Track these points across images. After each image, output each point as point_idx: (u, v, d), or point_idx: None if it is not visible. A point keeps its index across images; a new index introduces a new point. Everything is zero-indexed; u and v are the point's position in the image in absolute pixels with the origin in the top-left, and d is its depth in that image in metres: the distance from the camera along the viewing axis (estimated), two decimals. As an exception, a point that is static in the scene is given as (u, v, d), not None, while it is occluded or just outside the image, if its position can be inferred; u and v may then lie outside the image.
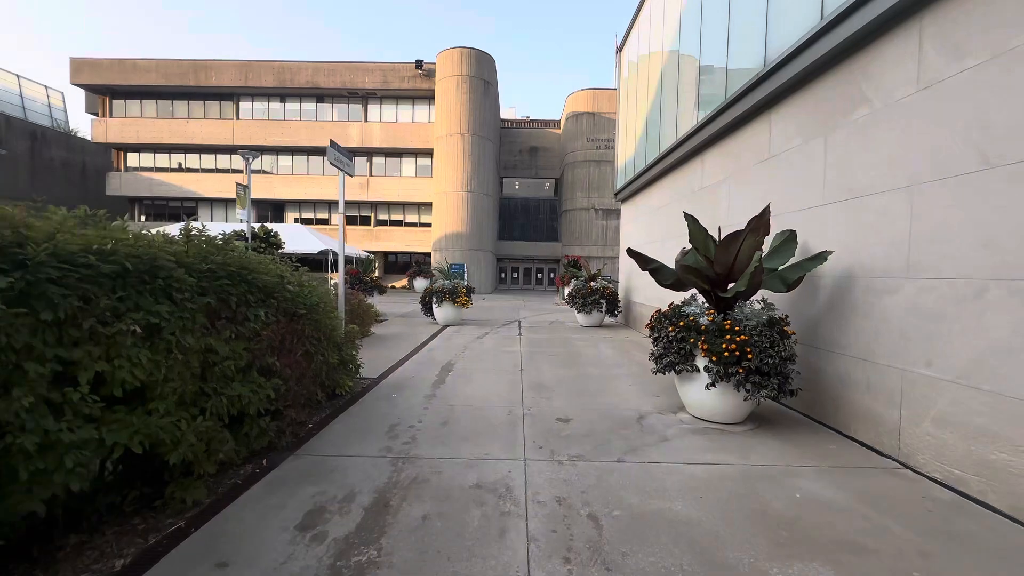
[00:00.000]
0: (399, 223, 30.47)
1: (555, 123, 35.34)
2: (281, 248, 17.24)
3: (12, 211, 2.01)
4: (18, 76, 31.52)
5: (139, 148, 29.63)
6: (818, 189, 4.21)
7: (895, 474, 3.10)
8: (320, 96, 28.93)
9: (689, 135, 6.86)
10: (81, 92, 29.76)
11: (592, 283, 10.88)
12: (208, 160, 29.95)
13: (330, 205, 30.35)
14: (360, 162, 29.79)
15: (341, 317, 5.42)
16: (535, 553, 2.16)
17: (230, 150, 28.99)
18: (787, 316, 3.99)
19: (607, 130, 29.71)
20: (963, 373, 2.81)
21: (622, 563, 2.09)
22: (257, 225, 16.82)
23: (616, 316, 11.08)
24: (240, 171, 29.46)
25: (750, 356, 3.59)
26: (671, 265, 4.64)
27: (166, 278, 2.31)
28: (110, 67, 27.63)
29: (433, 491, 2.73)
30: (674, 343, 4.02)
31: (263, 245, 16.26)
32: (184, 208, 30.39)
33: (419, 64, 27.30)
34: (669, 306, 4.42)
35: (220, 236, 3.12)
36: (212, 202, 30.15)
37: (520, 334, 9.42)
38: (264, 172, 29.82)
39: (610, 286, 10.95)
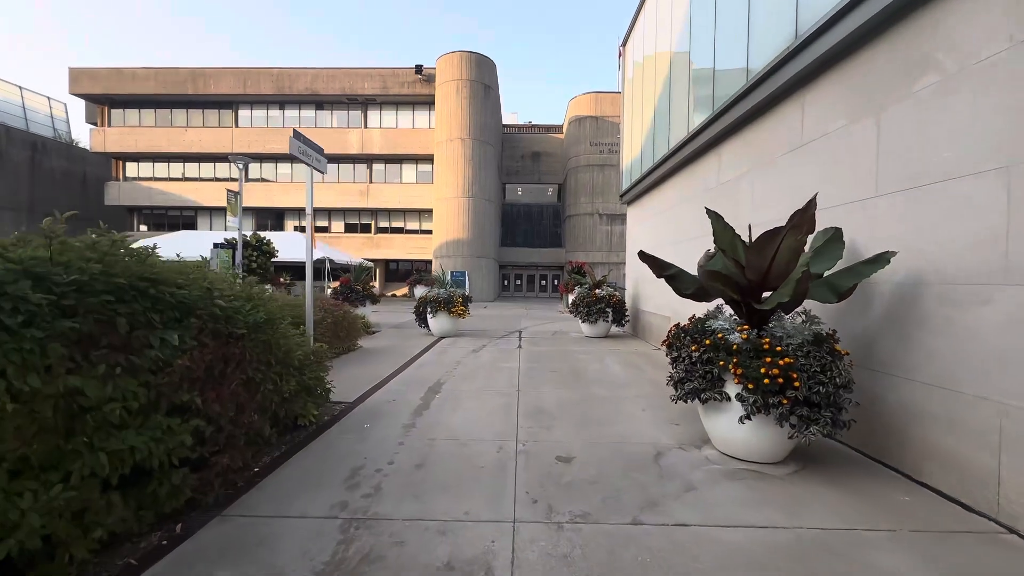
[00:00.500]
0: (400, 230, 29.94)
1: (558, 128, 34.83)
2: (275, 256, 16.72)
3: None
4: (20, 87, 31.42)
5: (138, 157, 29.37)
6: (867, 178, 3.51)
7: (999, 542, 2.36)
8: (319, 103, 28.59)
9: (704, 126, 6.18)
10: (81, 102, 29.63)
11: (597, 290, 10.17)
12: (207, 169, 29.62)
13: (330, 212, 29.90)
14: (360, 169, 29.37)
15: (308, 334, 4.74)
16: None
17: (228, 158, 28.67)
18: (835, 332, 3.28)
19: (611, 134, 29.13)
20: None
21: None
22: (249, 233, 16.30)
23: (623, 326, 10.35)
24: (238, 179, 29.11)
25: (796, 383, 2.88)
26: (691, 270, 3.93)
27: None
28: (108, 76, 27.44)
29: (387, 577, 2.03)
30: (698, 365, 3.31)
31: (255, 254, 15.77)
32: (183, 217, 30.05)
33: (419, 69, 26.91)
34: (690, 320, 3.71)
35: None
36: (211, 211, 29.77)
37: (520, 346, 8.71)
38: (263, 180, 29.46)
39: (616, 294, 10.24)
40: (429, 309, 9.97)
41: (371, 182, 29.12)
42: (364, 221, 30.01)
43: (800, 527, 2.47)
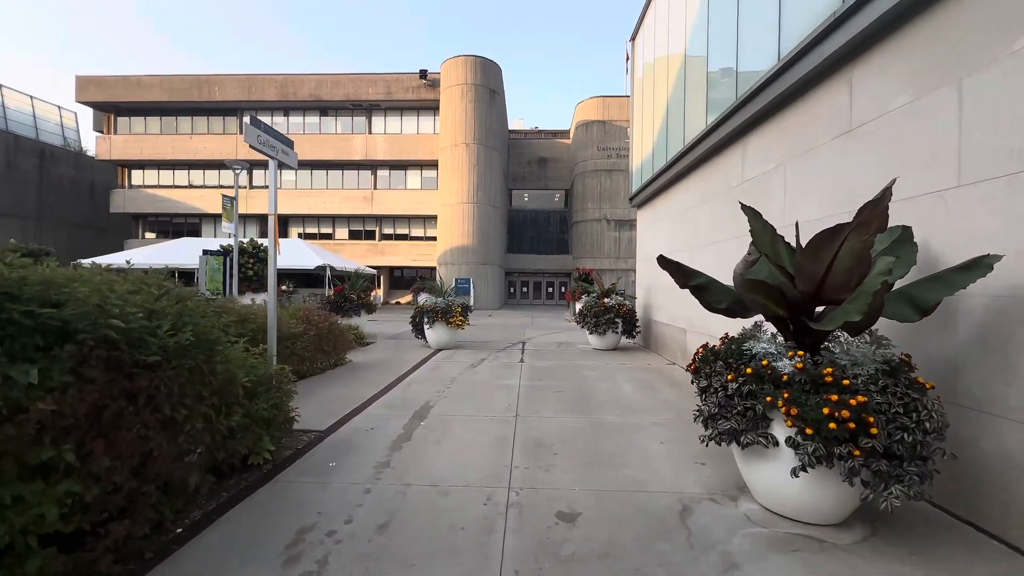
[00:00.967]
0: (404, 237, 29.47)
1: (564, 133, 34.30)
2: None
3: None
4: (31, 97, 31.62)
5: (143, 164, 29.30)
6: (946, 163, 2.82)
7: None
8: (323, 109, 28.34)
9: (727, 116, 5.50)
10: (89, 110, 29.71)
11: (606, 299, 9.47)
12: (212, 176, 29.45)
13: (334, 219, 29.55)
14: (365, 175, 29.01)
15: (270, 354, 4.10)
16: None
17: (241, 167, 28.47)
18: (910, 357, 2.58)
19: (618, 138, 28.52)
20: None
21: None
22: (246, 239, 15.86)
23: (634, 337, 9.61)
24: (244, 187, 28.89)
25: (874, 430, 2.18)
26: (720, 279, 3.24)
27: None
28: (114, 84, 27.46)
29: None
30: (736, 400, 2.62)
31: (251, 261, 15.31)
32: (188, 224, 29.88)
33: (423, 74, 26.56)
34: (722, 340, 3.03)
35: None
36: (215, 218, 29.52)
37: (522, 360, 8.03)
38: (267, 187, 29.22)
39: (626, 303, 9.52)
40: (426, 319, 9.34)
41: (375, 188, 28.73)
42: (368, 228, 29.59)
43: (895, 640, 1.76)
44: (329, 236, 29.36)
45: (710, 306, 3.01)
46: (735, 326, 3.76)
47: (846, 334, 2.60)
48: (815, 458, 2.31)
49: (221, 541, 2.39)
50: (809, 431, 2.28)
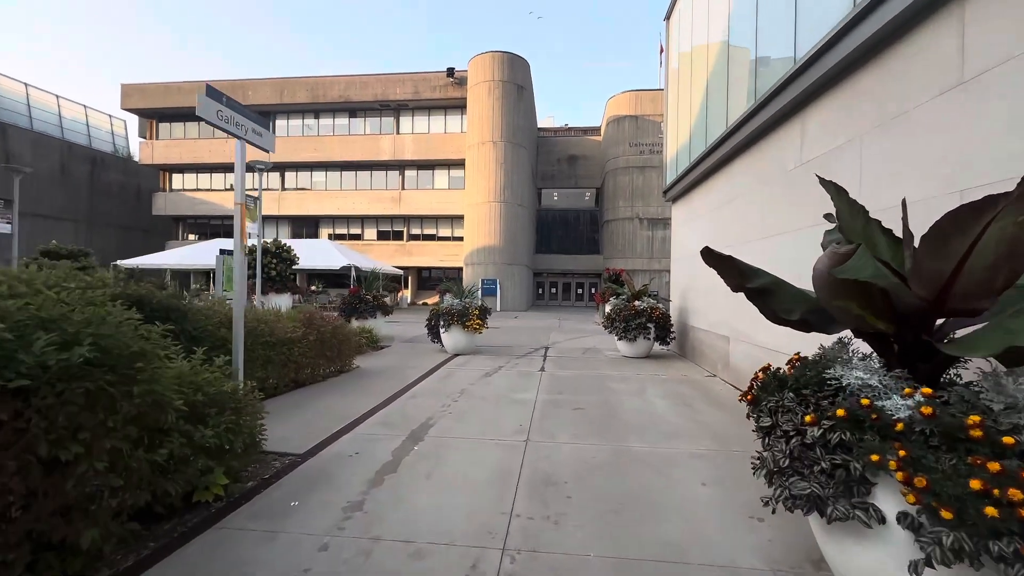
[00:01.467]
0: (432, 237, 29.23)
1: (595, 130, 33.28)
2: (295, 263, 16.15)
3: None
4: (85, 107, 33.37)
5: (182, 168, 30.34)
6: None
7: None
8: (352, 110, 28.48)
9: (782, 85, 4.61)
10: (135, 118, 31.05)
11: (636, 302, 8.61)
12: (247, 178, 30.10)
13: (363, 220, 29.66)
14: (392, 175, 28.97)
15: (235, 367, 3.55)
16: None
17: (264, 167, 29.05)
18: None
19: (651, 133, 27.31)
20: None
21: None
22: (269, 240, 15.81)
23: (668, 344, 8.70)
24: (276, 189, 29.44)
25: (1064, 521, 1.36)
26: (795, 282, 2.42)
27: None
28: (156, 91, 28.53)
29: None
30: (818, 450, 1.84)
31: (274, 261, 15.22)
32: (224, 226, 30.70)
33: (450, 72, 26.22)
34: (791, 363, 2.23)
35: None
36: (250, 220, 30.20)
37: (543, 369, 7.31)
38: (299, 189, 29.65)
39: (659, 307, 8.61)
40: (442, 323, 8.76)
41: (403, 189, 28.62)
42: (396, 228, 29.52)
43: None
44: (358, 237, 29.48)
45: (775, 316, 2.21)
46: (799, 339, 2.92)
47: (996, 362, 1.75)
48: (952, 552, 1.50)
49: (113, 624, 1.82)
50: (947, 514, 1.48)
